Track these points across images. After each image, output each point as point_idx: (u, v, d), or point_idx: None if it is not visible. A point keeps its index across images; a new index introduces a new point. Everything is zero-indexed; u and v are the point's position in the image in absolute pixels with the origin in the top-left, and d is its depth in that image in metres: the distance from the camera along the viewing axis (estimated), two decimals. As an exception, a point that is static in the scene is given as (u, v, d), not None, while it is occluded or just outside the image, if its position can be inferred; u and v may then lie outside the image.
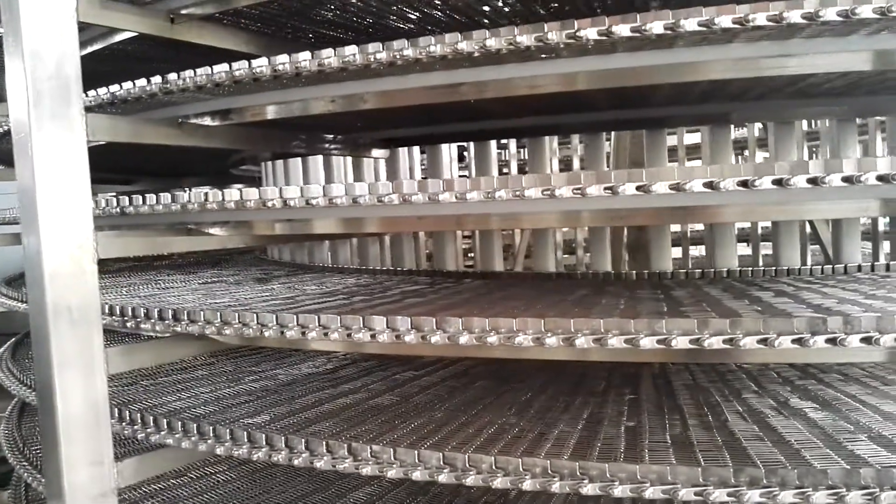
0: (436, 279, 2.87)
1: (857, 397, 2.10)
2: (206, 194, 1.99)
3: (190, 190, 2.02)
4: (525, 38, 1.68)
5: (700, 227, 3.79)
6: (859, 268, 2.62)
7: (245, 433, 1.98)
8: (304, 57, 1.83)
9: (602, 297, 2.24)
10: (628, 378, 2.40)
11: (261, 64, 1.89)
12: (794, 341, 1.62)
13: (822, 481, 1.55)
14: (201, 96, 2.14)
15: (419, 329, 1.76)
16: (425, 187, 1.77)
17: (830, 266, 2.66)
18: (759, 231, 3.62)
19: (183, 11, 2.23)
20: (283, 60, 1.84)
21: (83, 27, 1.97)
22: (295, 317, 1.89)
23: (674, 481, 1.62)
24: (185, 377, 2.72)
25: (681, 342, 1.64)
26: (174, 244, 2.33)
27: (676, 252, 4.37)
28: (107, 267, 3.84)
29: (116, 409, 2.21)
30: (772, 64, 1.80)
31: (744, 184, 1.63)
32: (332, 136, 2.96)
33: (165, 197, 2.06)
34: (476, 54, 1.72)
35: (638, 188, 1.68)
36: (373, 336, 1.80)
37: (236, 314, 1.98)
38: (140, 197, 2.12)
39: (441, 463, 1.75)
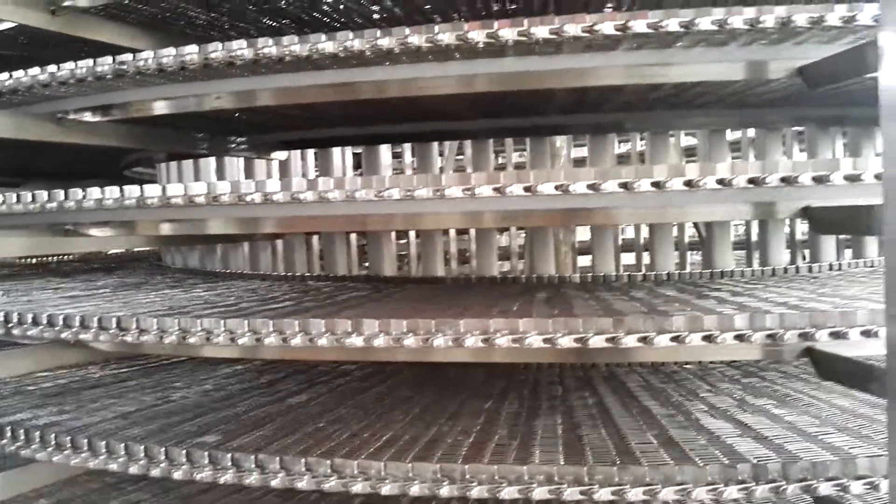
0: (327, 283, 2.85)
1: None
2: (84, 192, 1.90)
3: (67, 189, 1.92)
4: (416, 39, 1.69)
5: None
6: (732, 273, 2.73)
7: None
8: (190, 50, 1.78)
9: (495, 300, 2.25)
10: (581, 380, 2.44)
11: (145, 56, 1.83)
12: (672, 339, 1.68)
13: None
14: (84, 90, 2.05)
15: (281, 332, 1.75)
16: (315, 185, 1.75)
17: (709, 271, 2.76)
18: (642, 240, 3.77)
19: (65, 3, 2.14)
20: (168, 53, 1.79)
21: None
22: (177, 321, 1.83)
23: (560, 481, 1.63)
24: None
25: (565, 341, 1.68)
26: (54, 245, 2.22)
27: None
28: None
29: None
30: (654, 72, 1.87)
31: (624, 186, 1.68)
32: (228, 137, 2.88)
33: (41, 195, 1.97)
34: (368, 53, 1.72)
35: (525, 189, 1.72)
36: (258, 340, 1.76)
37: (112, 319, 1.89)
38: (14, 195, 2.01)
39: (329, 471, 1.72)
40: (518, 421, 1.98)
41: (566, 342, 1.66)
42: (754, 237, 3.14)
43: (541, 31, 1.65)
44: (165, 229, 2.06)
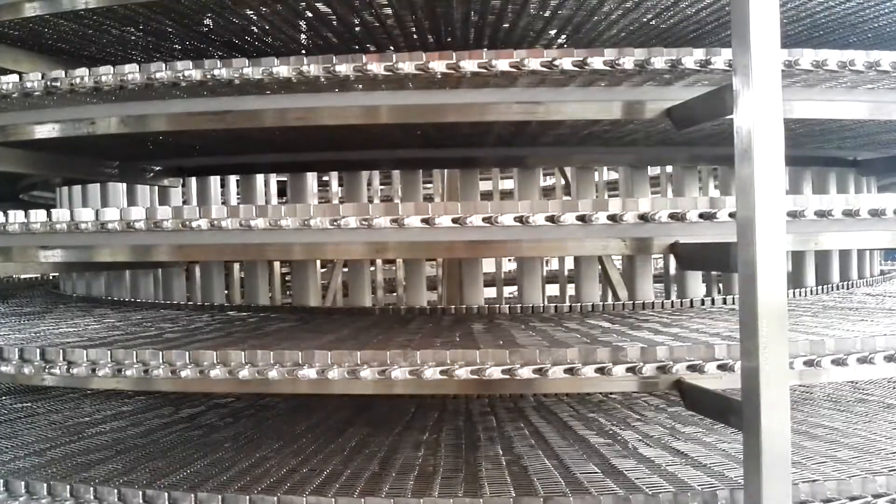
0: (241, 315, 2.76)
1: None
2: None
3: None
4: (313, 69, 1.68)
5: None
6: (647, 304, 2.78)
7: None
8: (80, 73, 1.73)
9: (405, 331, 2.24)
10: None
11: (32, 79, 1.76)
12: (565, 371, 1.70)
13: None
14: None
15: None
16: (237, 213, 1.71)
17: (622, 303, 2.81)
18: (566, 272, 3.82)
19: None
20: (34, 78, 1.73)
21: None
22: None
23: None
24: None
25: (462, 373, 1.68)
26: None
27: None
28: None
29: None
30: (550, 109, 1.90)
31: (488, 220, 1.70)
32: (116, 161, 2.78)
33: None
34: (265, 80, 1.70)
35: (454, 220, 1.71)
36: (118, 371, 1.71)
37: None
38: None
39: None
40: (458, 453, 1.99)
41: (463, 373, 1.67)
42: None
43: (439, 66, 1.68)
44: (53, 256, 1.97)
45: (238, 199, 3.44)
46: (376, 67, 1.68)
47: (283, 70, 1.69)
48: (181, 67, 1.69)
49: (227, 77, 1.69)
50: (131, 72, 1.70)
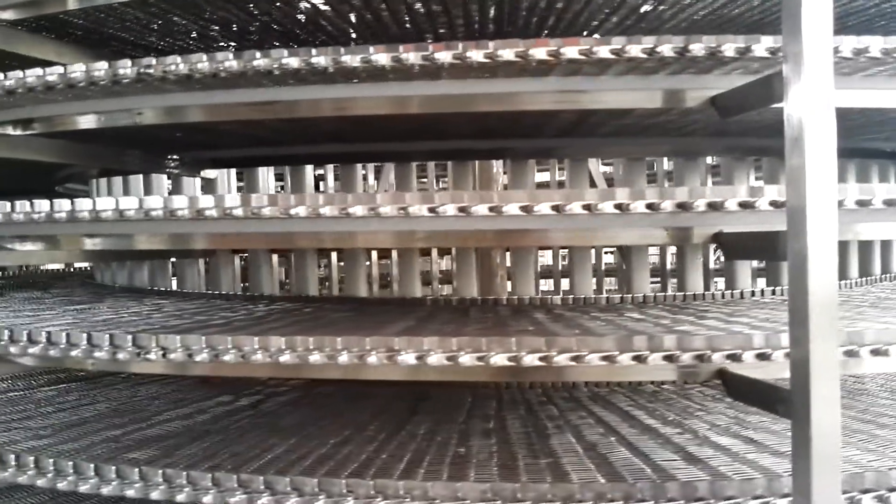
0: (296, 305, 2.77)
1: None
2: (11, 205, 1.86)
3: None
4: (349, 58, 1.69)
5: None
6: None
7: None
8: (123, 64, 1.76)
9: (470, 321, 2.26)
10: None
11: (54, 72, 1.80)
12: (602, 358, 1.70)
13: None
14: (10, 103, 2.01)
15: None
16: (248, 201, 1.74)
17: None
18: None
19: (0, 17, 2.10)
20: (79, 69, 1.77)
21: None
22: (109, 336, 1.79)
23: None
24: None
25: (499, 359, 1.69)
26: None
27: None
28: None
29: None
30: (587, 98, 1.90)
31: (556, 209, 1.71)
32: (155, 154, 2.83)
33: (-36, 208, 1.91)
34: (276, 72, 1.71)
35: (460, 209, 1.73)
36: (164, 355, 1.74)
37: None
38: (-64, 207, 1.95)
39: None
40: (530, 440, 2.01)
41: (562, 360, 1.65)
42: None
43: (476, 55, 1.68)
44: (95, 244, 2.02)
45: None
46: (412, 57, 1.69)
47: (320, 60, 1.71)
48: (221, 58, 1.71)
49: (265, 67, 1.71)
50: (173, 62, 1.73)
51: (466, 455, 1.88)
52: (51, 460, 1.86)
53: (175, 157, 2.89)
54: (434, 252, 4.47)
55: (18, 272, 4.88)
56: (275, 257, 3.38)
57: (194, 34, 2.37)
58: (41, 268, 5.13)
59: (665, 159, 4.16)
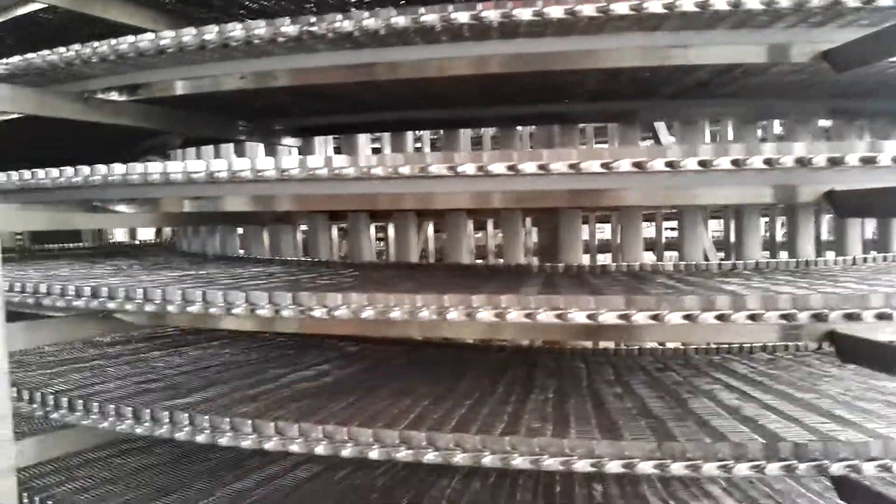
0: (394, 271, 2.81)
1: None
2: (109, 167, 1.95)
3: (93, 165, 1.98)
4: (430, 17, 1.71)
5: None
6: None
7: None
8: (209, 30, 1.82)
9: (588, 286, 2.21)
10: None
11: (166, 36, 1.87)
12: (684, 317, 1.69)
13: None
14: (109, 70, 2.10)
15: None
16: (331, 163, 1.78)
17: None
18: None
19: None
20: (189, 32, 1.83)
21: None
22: (202, 293, 1.87)
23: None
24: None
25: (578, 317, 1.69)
26: (76, 220, 2.27)
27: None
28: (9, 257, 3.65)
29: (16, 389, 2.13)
30: (670, 54, 1.86)
31: (638, 165, 1.69)
32: (244, 121, 2.91)
33: (68, 171, 2.02)
34: (382, 32, 1.74)
35: (539, 167, 1.73)
36: (277, 312, 1.80)
37: (140, 290, 1.94)
38: (42, 171, 2.07)
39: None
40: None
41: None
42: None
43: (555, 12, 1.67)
44: (187, 206, 2.10)
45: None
46: (492, 15, 1.70)
47: (400, 20, 1.73)
48: (303, 22, 1.75)
49: (346, 30, 1.74)
50: (257, 27, 1.78)
51: (610, 416, 1.87)
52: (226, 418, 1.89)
53: (265, 123, 2.97)
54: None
55: (99, 242, 5.04)
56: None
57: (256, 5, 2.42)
58: (112, 240, 5.31)
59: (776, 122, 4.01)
